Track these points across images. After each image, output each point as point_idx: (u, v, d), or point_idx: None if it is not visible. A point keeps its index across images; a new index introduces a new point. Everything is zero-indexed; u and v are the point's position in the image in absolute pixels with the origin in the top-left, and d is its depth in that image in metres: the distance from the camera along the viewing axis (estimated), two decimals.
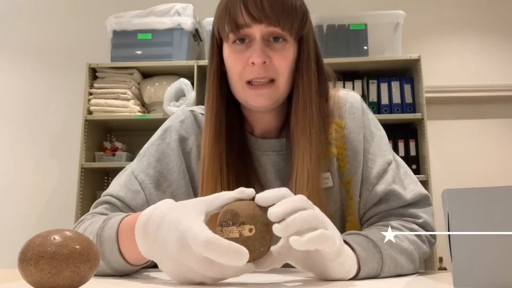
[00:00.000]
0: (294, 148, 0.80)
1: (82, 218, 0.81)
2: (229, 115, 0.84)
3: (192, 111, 0.93)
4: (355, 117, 0.86)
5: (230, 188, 0.78)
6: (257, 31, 0.77)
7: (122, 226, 0.66)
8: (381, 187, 0.82)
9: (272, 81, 0.80)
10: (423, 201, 0.84)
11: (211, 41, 0.85)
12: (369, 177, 0.83)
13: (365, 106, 0.89)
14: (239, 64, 0.79)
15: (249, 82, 0.80)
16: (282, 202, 0.53)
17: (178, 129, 0.90)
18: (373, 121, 0.89)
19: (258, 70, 0.78)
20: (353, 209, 0.84)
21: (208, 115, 0.83)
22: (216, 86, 0.83)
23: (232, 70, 0.81)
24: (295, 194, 0.73)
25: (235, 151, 0.83)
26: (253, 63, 0.77)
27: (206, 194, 0.71)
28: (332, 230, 0.56)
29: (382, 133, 0.89)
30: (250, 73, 0.79)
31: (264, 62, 0.78)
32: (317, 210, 0.57)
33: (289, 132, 0.84)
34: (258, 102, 0.80)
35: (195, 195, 0.86)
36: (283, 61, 0.79)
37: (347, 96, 0.88)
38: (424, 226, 0.81)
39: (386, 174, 0.83)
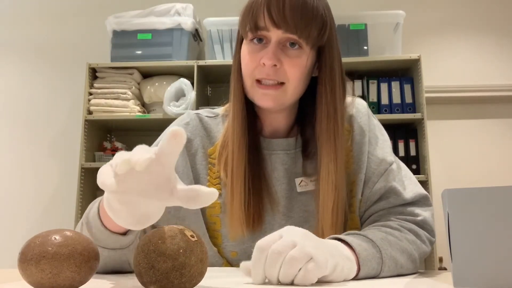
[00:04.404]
0: (319, 157, 0.83)
1: None
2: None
3: (197, 113, 0.94)
4: (361, 121, 0.89)
5: (247, 183, 0.83)
6: (274, 35, 0.80)
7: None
8: (381, 184, 0.85)
9: (281, 84, 0.82)
10: (422, 201, 0.85)
11: (236, 39, 0.89)
12: (371, 176, 0.86)
13: (370, 112, 0.92)
14: (252, 63, 0.82)
15: (258, 81, 0.82)
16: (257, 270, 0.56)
17: None
18: (378, 127, 0.92)
19: (267, 71, 0.80)
20: (354, 207, 0.86)
21: (236, 109, 0.85)
22: (241, 82, 0.86)
23: (245, 67, 0.84)
24: (321, 204, 0.81)
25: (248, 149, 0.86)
26: (264, 64, 0.80)
27: (236, 183, 0.80)
28: (320, 253, 0.56)
29: (386, 137, 0.92)
30: (260, 73, 0.81)
31: (275, 65, 0.80)
32: (299, 245, 0.55)
33: (298, 132, 0.89)
34: (264, 102, 0.83)
35: None
36: (293, 67, 0.81)
37: (354, 103, 0.92)
38: (423, 225, 0.82)
39: (387, 173, 0.86)
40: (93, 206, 0.71)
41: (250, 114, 0.87)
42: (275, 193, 0.86)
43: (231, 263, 0.86)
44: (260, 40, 0.82)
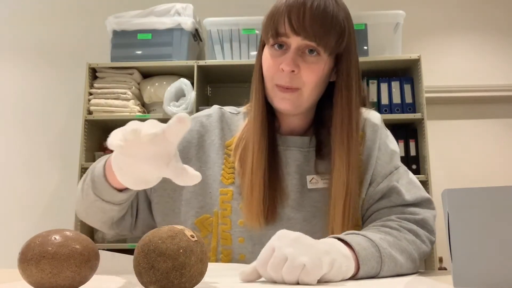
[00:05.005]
0: (333, 160, 0.87)
1: None
2: None
3: (221, 108, 1.00)
4: (373, 130, 0.92)
5: (265, 179, 0.86)
6: (294, 41, 0.84)
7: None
8: (384, 184, 0.88)
9: (297, 88, 0.85)
10: (424, 204, 0.88)
11: (259, 43, 0.93)
12: (376, 177, 0.89)
13: (383, 124, 0.96)
14: (272, 68, 0.86)
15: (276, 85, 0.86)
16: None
17: (202, 120, 0.96)
18: (390, 137, 0.96)
19: (285, 78, 0.84)
20: (357, 206, 0.88)
21: (257, 108, 0.89)
22: (261, 83, 0.90)
23: (266, 72, 0.88)
24: (332, 204, 0.84)
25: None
26: (283, 70, 0.83)
27: (255, 180, 0.84)
28: (311, 257, 0.58)
29: (395, 147, 0.95)
30: (279, 79, 0.85)
31: (293, 71, 0.83)
32: (289, 257, 0.58)
33: (313, 133, 0.94)
34: (282, 105, 0.87)
35: (207, 183, 0.91)
36: (311, 73, 0.84)
37: (369, 113, 0.95)
38: (423, 224, 0.83)
39: (391, 174, 0.89)
40: (102, 159, 0.82)
41: (269, 114, 0.91)
42: (285, 187, 0.89)
43: (236, 250, 0.88)
44: (280, 46, 0.86)
